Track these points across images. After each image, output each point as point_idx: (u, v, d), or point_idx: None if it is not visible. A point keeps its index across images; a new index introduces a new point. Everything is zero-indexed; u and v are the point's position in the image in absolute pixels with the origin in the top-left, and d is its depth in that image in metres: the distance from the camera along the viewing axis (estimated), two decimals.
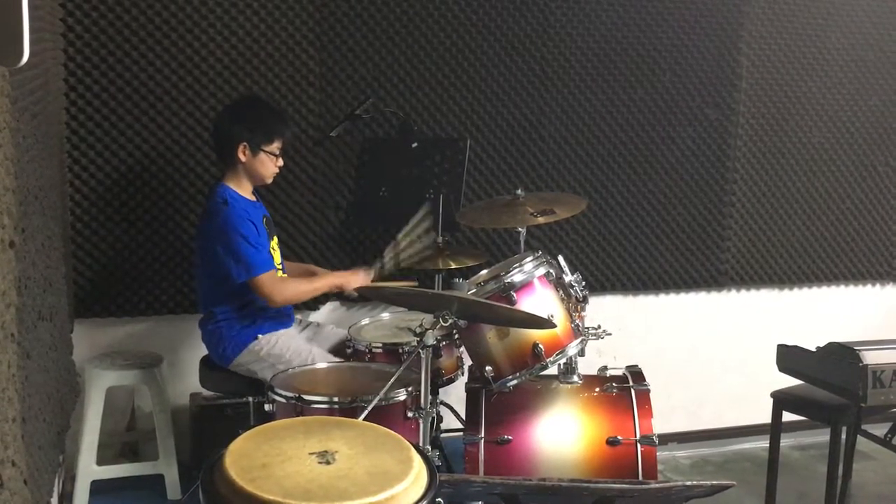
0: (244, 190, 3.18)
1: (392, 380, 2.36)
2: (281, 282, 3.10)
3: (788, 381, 3.19)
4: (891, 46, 4.46)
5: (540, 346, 2.67)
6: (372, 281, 3.28)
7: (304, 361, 3.05)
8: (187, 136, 3.54)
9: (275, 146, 3.15)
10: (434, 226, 3.44)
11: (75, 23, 3.34)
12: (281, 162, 3.20)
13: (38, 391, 1.98)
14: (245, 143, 3.10)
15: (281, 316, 3.22)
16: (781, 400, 3.31)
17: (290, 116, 3.59)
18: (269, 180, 3.22)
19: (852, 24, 4.37)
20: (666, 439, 3.87)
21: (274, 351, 3.10)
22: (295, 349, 3.12)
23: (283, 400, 2.59)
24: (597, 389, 2.87)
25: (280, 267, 3.25)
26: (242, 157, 3.12)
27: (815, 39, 4.32)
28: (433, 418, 3.09)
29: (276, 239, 3.29)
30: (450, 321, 2.37)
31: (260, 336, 3.12)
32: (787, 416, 3.32)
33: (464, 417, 2.92)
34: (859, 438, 3.04)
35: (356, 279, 3.25)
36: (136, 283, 3.57)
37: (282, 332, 3.18)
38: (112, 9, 3.37)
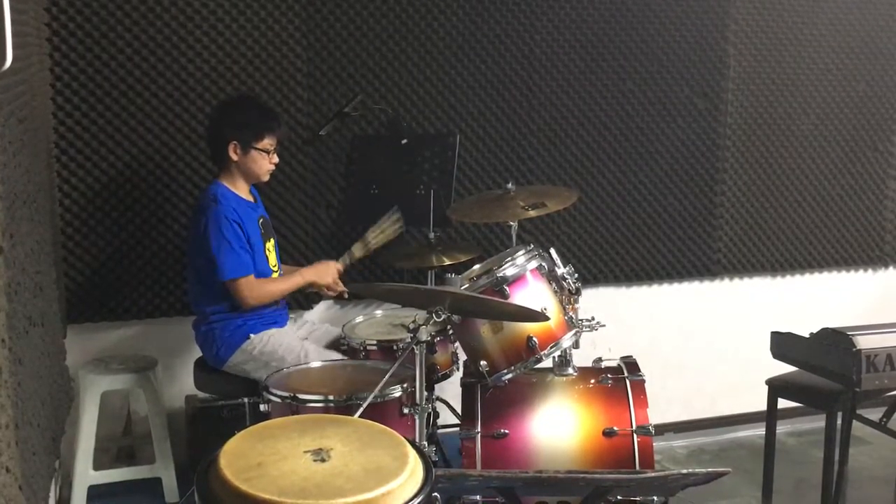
0: (240, 189, 3.17)
1: (387, 377, 2.36)
2: (256, 286, 3.08)
3: (783, 368, 3.20)
4: (877, 32, 4.47)
5: (534, 339, 2.67)
6: (343, 268, 3.30)
7: (298, 358, 3.05)
8: (175, 138, 3.53)
9: (266, 143, 3.14)
10: (407, 223, 3.45)
11: (60, 27, 3.32)
12: (276, 158, 3.20)
13: (31, 397, 1.97)
14: (235, 142, 3.10)
15: (274, 315, 3.22)
16: (776, 387, 3.32)
17: (279, 114, 3.58)
18: (265, 178, 3.22)
19: (838, 11, 4.38)
20: (662, 429, 3.87)
21: (266, 349, 3.10)
22: (287, 346, 3.11)
23: (278, 400, 2.58)
24: (592, 381, 2.87)
25: (276, 268, 3.25)
26: (234, 157, 3.12)
27: (802, 26, 4.33)
28: (429, 414, 3.09)
29: (272, 241, 3.29)
30: (443, 316, 2.37)
31: (252, 336, 3.12)
32: (783, 403, 3.33)
33: (460, 412, 2.92)
34: (855, 423, 3.04)
35: (328, 271, 3.24)
36: (128, 286, 3.56)
37: (274, 330, 3.17)
38: (97, 12, 3.36)
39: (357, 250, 3.35)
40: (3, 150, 1.84)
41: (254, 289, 3.06)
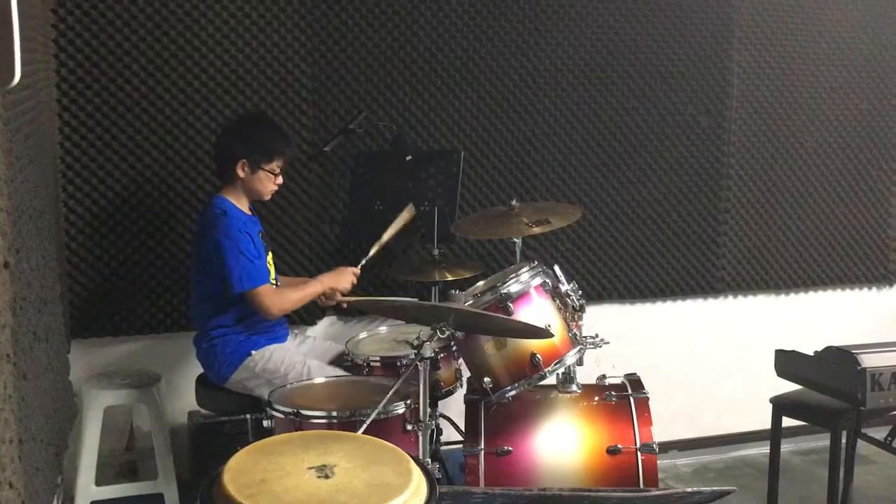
0: (241, 204, 3.18)
1: (390, 393, 2.36)
2: (276, 293, 3.10)
3: (787, 387, 3.19)
4: (880, 50, 4.48)
5: (538, 356, 2.67)
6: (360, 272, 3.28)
7: (300, 374, 3.04)
8: (181, 153, 3.54)
9: (274, 165, 3.15)
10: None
11: (67, 43, 3.34)
12: (280, 180, 3.21)
13: (34, 412, 1.97)
14: (244, 161, 3.10)
15: (274, 330, 3.21)
16: (781, 405, 3.31)
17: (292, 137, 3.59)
18: (267, 197, 3.23)
19: (841, 29, 4.39)
20: (666, 447, 3.86)
21: (269, 366, 3.09)
22: (289, 363, 3.11)
23: (282, 415, 2.58)
24: (596, 398, 2.87)
25: (275, 282, 3.25)
26: (241, 174, 3.12)
27: (805, 45, 4.35)
28: (433, 431, 3.08)
29: (271, 254, 3.29)
30: (447, 333, 2.37)
31: (253, 352, 3.11)
32: (787, 422, 3.32)
33: (463, 429, 2.91)
34: (859, 442, 3.03)
35: (345, 277, 3.24)
36: (132, 301, 3.56)
37: (275, 346, 3.17)
38: (104, 29, 3.38)
39: (373, 250, 3.32)
40: (10, 165, 1.85)
41: (274, 297, 3.06)
